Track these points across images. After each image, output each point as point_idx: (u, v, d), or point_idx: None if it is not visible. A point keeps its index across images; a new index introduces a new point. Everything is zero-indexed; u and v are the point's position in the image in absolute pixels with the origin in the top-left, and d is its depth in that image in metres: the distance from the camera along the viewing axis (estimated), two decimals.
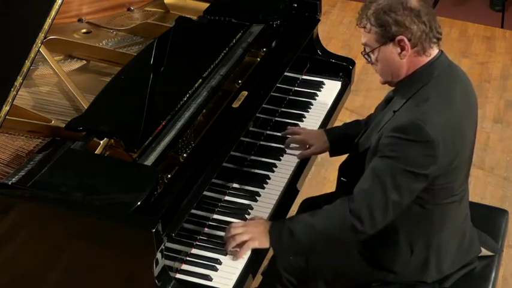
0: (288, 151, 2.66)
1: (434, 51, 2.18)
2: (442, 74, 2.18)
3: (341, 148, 2.60)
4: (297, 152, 2.64)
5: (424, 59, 2.17)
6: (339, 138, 2.59)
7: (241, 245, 2.21)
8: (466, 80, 2.27)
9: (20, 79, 2.26)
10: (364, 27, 2.17)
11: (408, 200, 2.16)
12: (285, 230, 2.22)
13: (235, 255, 2.22)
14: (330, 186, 2.38)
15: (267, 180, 2.51)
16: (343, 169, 2.45)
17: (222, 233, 2.30)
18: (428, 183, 2.14)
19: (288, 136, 2.67)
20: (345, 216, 2.15)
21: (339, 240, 2.23)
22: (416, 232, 2.27)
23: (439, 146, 2.08)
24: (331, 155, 2.65)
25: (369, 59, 2.21)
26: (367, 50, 2.20)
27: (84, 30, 3.05)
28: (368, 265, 2.35)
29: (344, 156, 2.51)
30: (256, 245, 2.23)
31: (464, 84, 2.25)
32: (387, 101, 2.33)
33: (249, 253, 2.25)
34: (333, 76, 3.08)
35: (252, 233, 2.23)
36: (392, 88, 2.30)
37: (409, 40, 2.13)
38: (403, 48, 2.14)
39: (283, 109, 2.86)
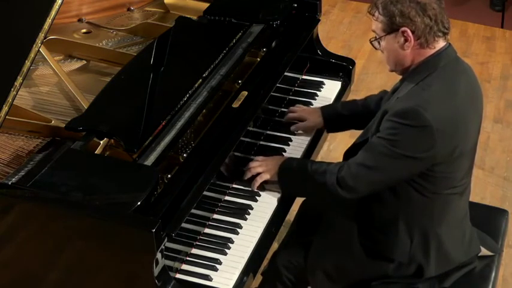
0: (288, 151, 2.66)
1: (439, 44, 2.22)
2: (448, 65, 2.22)
3: (335, 125, 2.74)
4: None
5: (429, 51, 2.21)
6: (334, 116, 2.70)
7: (256, 176, 2.43)
8: (471, 74, 2.30)
9: (20, 79, 2.26)
10: (373, 15, 2.23)
11: (397, 180, 2.22)
12: (289, 169, 2.41)
13: (252, 186, 2.44)
14: None
15: (267, 180, 2.51)
16: (348, 155, 2.47)
17: (222, 233, 2.30)
18: (425, 168, 2.18)
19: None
20: (331, 179, 2.27)
21: (323, 193, 2.36)
22: (417, 221, 2.29)
23: (437, 132, 2.11)
24: (329, 131, 2.79)
25: (378, 46, 2.27)
26: (376, 37, 2.26)
27: (84, 30, 3.05)
28: (368, 257, 2.36)
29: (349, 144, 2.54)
30: (268, 177, 2.42)
31: (470, 77, 2.28)
32: (394, 91, 2.36)
33: (249, 253, 2.25)
34: (333, 76, 3.08)
35: (266, 166, 2.43)
36: (396, 83, 2.33)
37: (413, 32, 2.17)
38: (406, 40, 2.19)
39: (283, 109, 2.86)
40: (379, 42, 2.26)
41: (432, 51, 2.21)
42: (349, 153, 2.44)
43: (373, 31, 2.27)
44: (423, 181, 2.22)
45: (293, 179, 2.42)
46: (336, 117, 2.69)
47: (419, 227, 2.30)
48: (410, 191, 2.24)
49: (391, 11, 2.17)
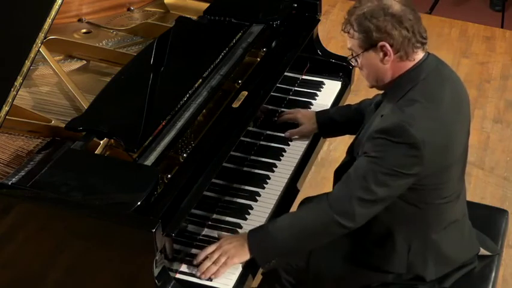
0: (288, 151, 2.66)
1: (419, 56, 2.18)
2: (430, 76, 2.17)
3: (330, 131, 2.72)
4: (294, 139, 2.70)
5: (409, 64, 2.17)
6: (328, 121, 2.68)
7: (218, 265, 2.13)
8: (456, 79, 2.26)
9: (20, 79, 2.26)
10: (348, 33, 2.20)
11: (391, 196, 2.15)
12: (265, 235, 2.19)
13: (214, 275, 2.12)
14: (330, 186, 2.37)
15: (267, 180, 2.51)
16: (337, 174, 2.44)
17: (222, 233, 2.30)
18: (415, 182, 2.14)
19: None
20: (326, 211, 2.15)
21: (322, 236, 2.20)
22: (413, 231, 2.27)
23: (425, 147, 2.07)
24: (324, 137, 2.77)
25: (355, 64, 2.24)
26: (353, 54, 2.22)
27: (84, 30, 3.05)
28: (367, 269, 2.35)
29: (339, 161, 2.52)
30: (235, 261, 2.15)
31: (454, 83, 2.24)
32: (377, 105, 2.34)
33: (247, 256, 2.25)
34: (333, 76, 3.08)
35: (227, 251, 2.15)
36: (378, 97, 2.32)
37: (391, 46, 2.13)
38: (385, 54, 2.15)
39: (283, 109, 2.86)
40: (356, 60, 2.22)
41: (412, 64, 2.17)
42: (340, 172, 2.36)
43: (350, 49, 2.23)
44: (415, 194, 2.18)
45: (276, 243, 2.18)
46: (330, 122, 2.67)
47: (416, 236, 2.28)
48: (404, 205, 2.20)
49: (366, 27, 2.14)
